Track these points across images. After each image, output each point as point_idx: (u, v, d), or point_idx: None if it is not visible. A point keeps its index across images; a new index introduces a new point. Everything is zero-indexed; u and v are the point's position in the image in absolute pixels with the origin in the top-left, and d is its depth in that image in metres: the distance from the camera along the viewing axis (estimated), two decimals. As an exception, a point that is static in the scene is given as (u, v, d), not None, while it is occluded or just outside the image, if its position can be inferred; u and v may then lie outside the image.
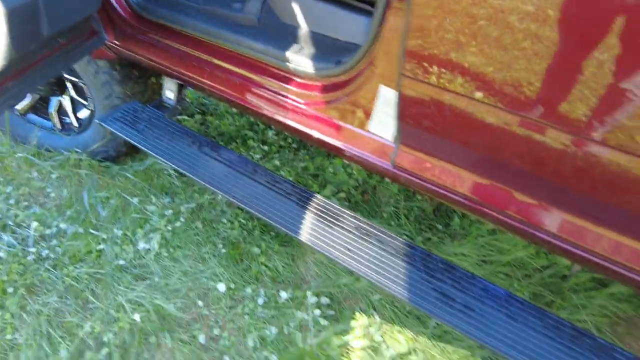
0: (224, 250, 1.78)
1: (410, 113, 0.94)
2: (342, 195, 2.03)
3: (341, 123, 1.15)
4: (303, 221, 1.31)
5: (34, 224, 1.82)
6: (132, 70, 1.93)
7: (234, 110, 2.56)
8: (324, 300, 1.61)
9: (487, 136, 0.91)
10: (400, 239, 1.26)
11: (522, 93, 0.81)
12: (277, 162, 2.19)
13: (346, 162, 2.19)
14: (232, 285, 1.66)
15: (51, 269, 1.67)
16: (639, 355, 1.19)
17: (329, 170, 2.17)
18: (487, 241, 1.78)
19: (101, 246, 1.78)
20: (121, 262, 1.71)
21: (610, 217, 0.92)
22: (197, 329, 1.52)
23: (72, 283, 1.63)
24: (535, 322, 1.09)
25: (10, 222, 1.84)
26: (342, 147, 1.17)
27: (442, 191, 1.07)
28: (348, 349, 1.46)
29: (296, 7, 1.52)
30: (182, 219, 1.89)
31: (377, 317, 1.55)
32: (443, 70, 0.83)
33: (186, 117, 2.50)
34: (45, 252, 1.73)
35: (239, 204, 1.37)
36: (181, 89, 1.85)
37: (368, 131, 1.10)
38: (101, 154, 2.10)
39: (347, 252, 1.22)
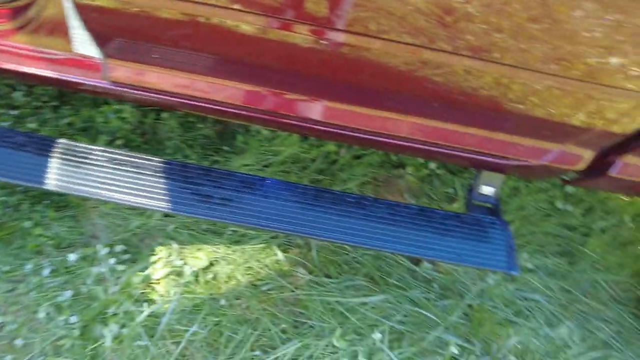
0: (-16, 237, 1.55)
1: (91, 20, 0.91)
2: (120, 142, 1.93)
3: (42, 50, 1.05)
4: (47, 170, 1.21)
5: None
6: None
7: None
8: (118, 248, 1.57)
9: (185, 34, 0.94)
10: (156, 159, 1.27)
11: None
12: (32, 125, 1.93)
13: (117, 107, 2.05)
14: (7, 268, 1.48)
15: None
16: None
17: (99, 119, 2.01)
18: (265, 148, 1.92)
19: None
20: None
21: (360, 95, 1.07)
22: (-29, 326, 1.34)
23: None
24: (284, 193, 1.25)
25: None
26: (56, 77, 1.08)
27: (166, 98, 1.09)
28: (150, 283, 1.48)
29: None
30: None
31: (175, 245, 1.59)
32: None
33: None
34: None
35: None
36: None
37: (73, 52, 1.04)
38: None
39: (103, 185, 1.19)
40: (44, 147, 1.26)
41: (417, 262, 1.69)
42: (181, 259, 1.55)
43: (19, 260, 1.51)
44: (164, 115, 2.06)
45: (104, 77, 1.05)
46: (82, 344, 1.34)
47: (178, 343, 1.35)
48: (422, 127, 1.14)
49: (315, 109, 1.14)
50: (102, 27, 0.93)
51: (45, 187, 1.18)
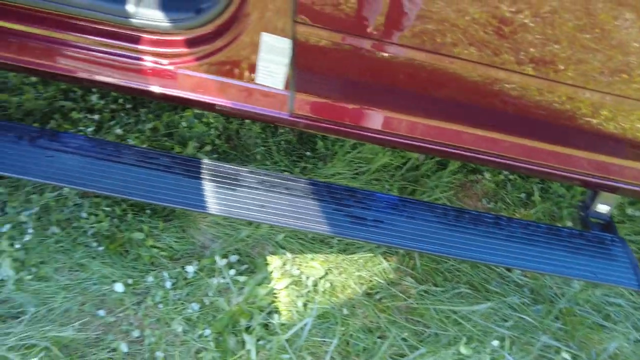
0: (101, 248, 1.56)
1: (308, 60, 0.93)
2: (208, 148, 1.93)
3: (221, 79, 1.05)
4: (202, 193, 1.23)
5: None
6: None
7: (33, 78, 2.06)
8: (233, 258, 1.61)
9: (378, 69, 0.98)
10: (303, 179, 1.31)
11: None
12: (118, 131, 1.91)
13: (198, 111, 2.04)
14: (130, 281, 1.50)
15: None
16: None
17: (183, 125, 2.00)
18: (354, 156, 1.96)
19: None
20: (-31, 309, 1.36)
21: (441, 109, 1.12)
22: (113, 340, 1.37)
23: None
24: (427, 214, 1.31)
25: None
26: (230, 106, 1.10)
27: (339, 128, 1.13)
28: (274, 294, 1.53)
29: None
30: (29, 231, 1.55)
31: (288, 254, 1.63)
32: (349, 15, 0.83)
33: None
34: None
35: (120, 196, 1.20)
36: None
37: (255, 83, 1.05)
38: None
39: (264, 209, 1.22)
40: (190, 169, 1.28)
41: (509, 268, 1.79)
42: (297, 269, 1.60)
43: (138, 272, 1.53)
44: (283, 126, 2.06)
45: (287, 109, 1.07)
46: (221, 356, 1.39)
47: (314, 354, 1.42)
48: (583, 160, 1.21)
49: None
50: (311, 65, 0.95)
51: (207, 211, 1.20)
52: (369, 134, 1.12)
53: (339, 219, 1.24)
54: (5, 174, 1.16)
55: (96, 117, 1.95)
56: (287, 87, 1.04)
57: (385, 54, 0.95)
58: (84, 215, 1.63)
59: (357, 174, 1.92)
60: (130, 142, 1.87)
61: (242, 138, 2.03)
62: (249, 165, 1.92)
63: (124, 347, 1.35)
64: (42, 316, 1.38)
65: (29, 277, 1.46)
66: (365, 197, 1.31)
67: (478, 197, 2.06)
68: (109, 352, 1.34)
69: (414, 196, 1.92)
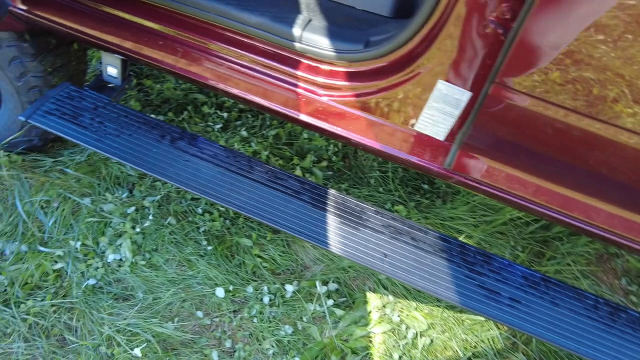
0: (209, 248, 1.58)
1: (490, 120, 0.81)
2: (324, 164, 1.89)
3: (377, 119, 0.97)
4: (325, 226, 1.16)
5: (-40, 252, 1.45)
6: (48, 38, 1.50)
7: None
8: (332, 286, 1.54)
9: (570, 143, 0.82)
10: (432, 232, 1.18)
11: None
12: (243, 133, 1.94)
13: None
14: (231, 288, 1.50)
15: (2, 308, 1.36)
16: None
17: (303, 136, 1.98)
18: (479, 200, 1.78)
19: (58, 265, 1.48)
20: (91, 281, 1.45)
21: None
22: (206, 345, 1.38)
23: (37, 320, 1.35)
24: (574, 304, 1.11)
25: None
26: (379, 148, 1.01)
27: (499, 194, 0.98)
28: (370, 337, 1.43)
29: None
30: (150, 217, 1.62)
31: (390, 296, 1.52)
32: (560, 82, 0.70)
33: (117, 82, 2.07)
34: (-14, 286, 1.41)
35: (246, 214, 1.18)
36: (126, 63, 1.48)
37: (413, 129, 0.95)
38: (22, 144, 1.68)
39: (385, 258, 1.12)
40: (317, 197, 1.22)
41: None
42: (398, 316, 1.48)
43: (240, 280, 1.53)
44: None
45: (445, 162, 0.95)
46: (306, 390, 1.33)
47: (405, 417, 1.30)
48: None
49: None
50: (492, 124, 0.82)
51: (328, 248, 1.13)
52: (530, 205, 0.96)
53: (469, 287, 1.10)
54: (147, 172, 1.20)
55: (225, 114, 2.00)
56: (448, 139, 0.92)
57: (578, 127, 0.79)
58: (200, 211, 1.67)
59: (479, 222, 1.74)
60: (254, 146, 1.89)
61: (358, 159, 1.95)
62: (363, 188, 1.83)
63: (214, 356, 1.35)
64: (148, 305, 1.42)
65: (143, 262, 1.52)
66: (502, 268, 1.15)
67: (616, 275, 1.77)
68: (200, 356, 1.35)
69: (542, 260, 1.70)
